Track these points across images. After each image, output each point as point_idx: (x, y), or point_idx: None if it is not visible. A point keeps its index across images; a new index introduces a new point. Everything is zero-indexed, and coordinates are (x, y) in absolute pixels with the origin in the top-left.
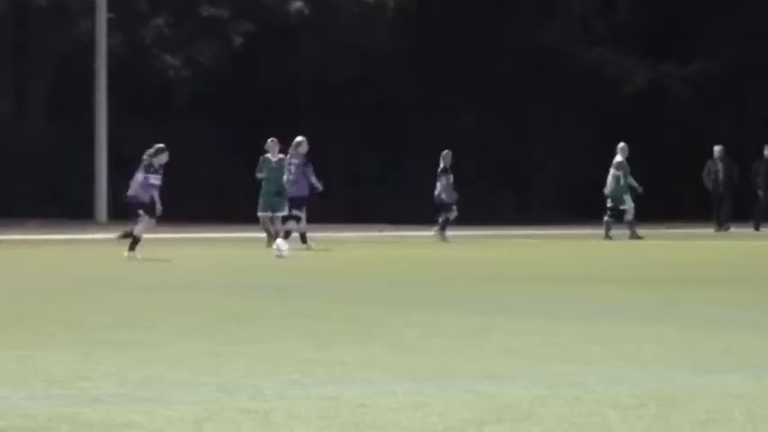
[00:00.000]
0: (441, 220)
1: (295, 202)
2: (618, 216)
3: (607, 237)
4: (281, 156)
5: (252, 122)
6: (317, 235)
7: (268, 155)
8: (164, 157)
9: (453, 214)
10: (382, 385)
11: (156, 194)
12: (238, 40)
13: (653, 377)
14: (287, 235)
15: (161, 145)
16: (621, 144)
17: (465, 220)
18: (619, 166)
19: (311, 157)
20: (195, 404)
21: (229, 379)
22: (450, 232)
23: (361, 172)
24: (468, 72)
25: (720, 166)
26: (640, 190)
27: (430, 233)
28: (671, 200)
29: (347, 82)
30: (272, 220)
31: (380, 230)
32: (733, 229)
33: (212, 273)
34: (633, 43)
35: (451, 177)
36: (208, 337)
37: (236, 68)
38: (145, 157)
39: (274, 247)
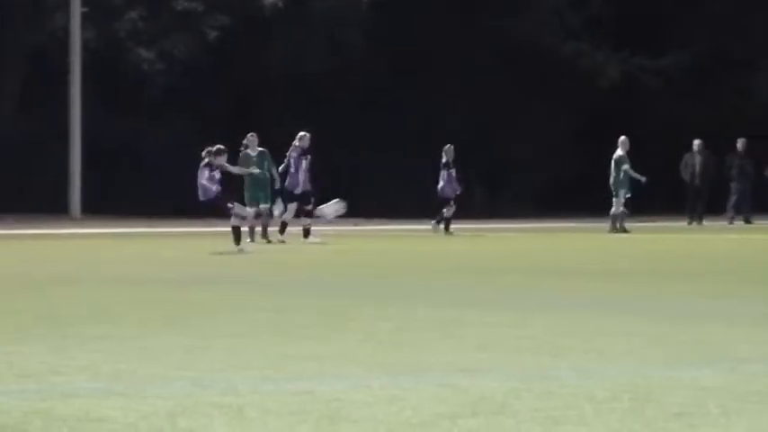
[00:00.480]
0: (441, 214)
1: (292, 196)
2: (630, 207)
3: (622, 229)
4: (261, 149)
5: (227, 116)
6: (295, 228)
7: (248, 150)
8: (223, 159)
9: (452, 209)
10: (356, 379)
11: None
12: (213, 34)
13: (626, 370)
14: (306, 233)
15: (221, 146)
16: (622, 138)
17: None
18: (622, 160)
19: (307, 152)
20: (168, 398)
21: (202, 373)
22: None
23: (340, 165)
24: (445, 66)
25: (698, 159)
26: (642, 178)
27: (427, 226)
28: (645, 192)
29: (323, 75)
30: (258, 213)
31: (355, 224)
32: (705, 223)
33: (185, 266)
34: (607, 36)
35: (454, 172)
36: (180, 331)
37: (211, 62)
38: (205, 155)
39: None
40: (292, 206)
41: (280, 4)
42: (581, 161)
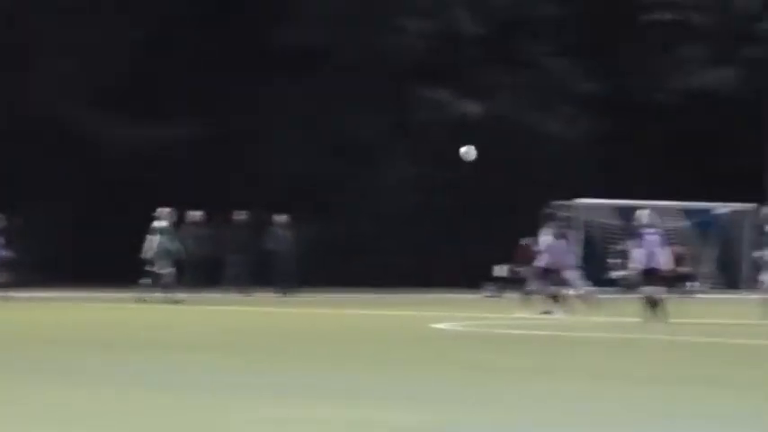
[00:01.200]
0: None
1: None
2: (156, 279)
3: (142, 300)
4: None
5: None
6: None
7: None
8: None
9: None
10: None
11: None
12: None
13: None
14: None
15: None
16: (166, 209)
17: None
18: (165, 230)
19: None
20: None
21: None
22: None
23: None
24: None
25: (196, 231)
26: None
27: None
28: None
29: None
30: None
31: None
32: (205, 295)
33: None
34: (119, 106)
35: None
36: None
37: None
38: None
39: None
40: None
41: None
42: (100, 231)
